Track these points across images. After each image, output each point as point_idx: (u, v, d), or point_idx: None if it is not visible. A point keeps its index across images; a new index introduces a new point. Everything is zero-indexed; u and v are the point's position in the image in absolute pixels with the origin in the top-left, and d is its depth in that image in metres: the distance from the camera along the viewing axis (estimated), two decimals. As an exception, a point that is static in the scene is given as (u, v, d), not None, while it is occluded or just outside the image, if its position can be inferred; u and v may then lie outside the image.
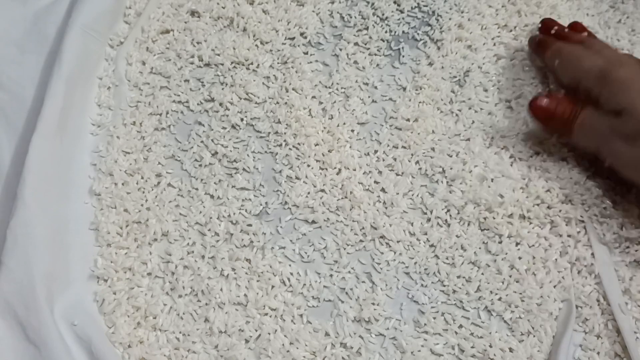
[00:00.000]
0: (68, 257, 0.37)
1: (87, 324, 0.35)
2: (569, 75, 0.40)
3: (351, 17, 0.48)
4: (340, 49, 0.46)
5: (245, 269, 0.37)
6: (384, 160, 0.41)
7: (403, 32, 0.47)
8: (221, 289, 0.37)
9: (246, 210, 0.40)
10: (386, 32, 0.47)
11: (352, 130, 0.43)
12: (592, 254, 0.38)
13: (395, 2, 0.49)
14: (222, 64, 0.45)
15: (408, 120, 0.43)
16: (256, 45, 0.46)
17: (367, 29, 0.47)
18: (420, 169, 0.41)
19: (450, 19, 0.47)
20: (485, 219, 0.39)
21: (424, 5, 0.49)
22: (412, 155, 0.42)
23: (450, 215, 0.39)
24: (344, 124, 0.43)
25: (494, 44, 0.47)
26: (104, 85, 0.45)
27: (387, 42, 0.47)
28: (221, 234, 0.39)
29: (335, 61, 0.46)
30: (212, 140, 0.42)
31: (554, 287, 0.37)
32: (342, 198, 0.40)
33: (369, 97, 0.44)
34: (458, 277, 0.37)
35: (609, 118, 0.36)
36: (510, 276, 0.38)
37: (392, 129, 0.43)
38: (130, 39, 0.46)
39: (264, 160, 0.42)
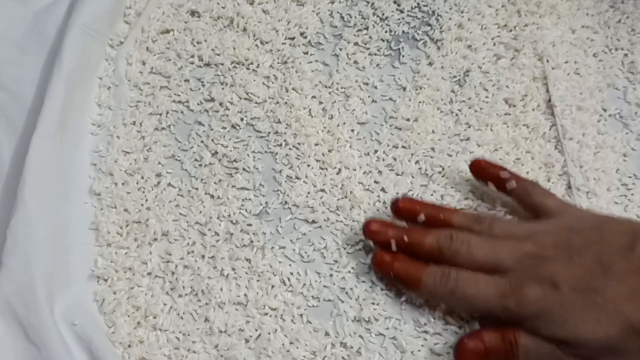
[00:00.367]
0: (68, 257, 0.37)
1: (87, 324, 0.35)
2: (467, 311, 0.35)
3: (351, 17, 0.48)
4: (340, 49, 0.46)
5: (245, 268, 0.37)
6: (384, 160, 0.41)
7: (403, 32, 0.47)
8: (221, 289, 0.37)
9: (246, 210, 0.40)
10: (386, 32, 0.47)
11: (352, 130, 0.43)
12: None
13: (395, 2, 0.49)
14: (222, 64, 0.45)
15: (408, 120, 0.43)
16: (256, 45, 0.46)
17: (367, 28, 0.47)
18: (420, 168, 0.41)
19: (450, 18, 0.47)
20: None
21: (424, 5, 0.49)
22: (412, 155, 0.42)
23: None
24: (344, 123, 0.43)
25: (494, 44, 0.47)
26: (104, 85, 0.45)
27: (387, 42, 0.47)
28: (221, 233, 0.39)
29: (335, 61, 0.46)
30: (212, 140, 0.42)
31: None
32: (342, 198, 0.40)
33: (369, 97, 0.44)
34: (458, 276, 0.37)
35: (552, 347, 0.31)
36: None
37: (392, 128, 0.43)
38: (130, 39, 0.46)
39: (264, 160, 0.42)
